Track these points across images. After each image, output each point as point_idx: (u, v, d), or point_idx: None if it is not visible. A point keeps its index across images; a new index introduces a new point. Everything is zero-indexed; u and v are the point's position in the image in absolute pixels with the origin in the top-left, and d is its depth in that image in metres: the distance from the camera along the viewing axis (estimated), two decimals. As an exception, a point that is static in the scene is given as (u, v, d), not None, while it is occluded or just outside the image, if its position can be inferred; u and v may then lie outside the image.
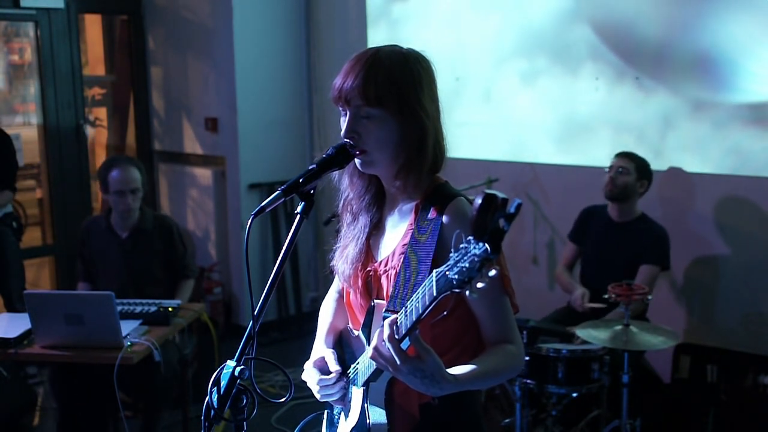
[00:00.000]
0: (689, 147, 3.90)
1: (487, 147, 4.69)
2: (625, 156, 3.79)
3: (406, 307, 1.37)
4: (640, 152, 3.82)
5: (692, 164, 3.90)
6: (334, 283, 1.91)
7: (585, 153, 4.22)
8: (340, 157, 1.56)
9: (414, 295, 1.35)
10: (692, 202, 3.97)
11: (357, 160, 1.59)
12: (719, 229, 3.88)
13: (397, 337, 1.38)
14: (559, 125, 4.40)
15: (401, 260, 1.56)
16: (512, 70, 4.55)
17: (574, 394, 3.26)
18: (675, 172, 3.99)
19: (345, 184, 1.70)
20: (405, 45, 1.65)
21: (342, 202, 1.73)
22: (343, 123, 1.58)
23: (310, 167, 1.53)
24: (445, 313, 1.46)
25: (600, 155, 4.06)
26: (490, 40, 4.65)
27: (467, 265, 1.18)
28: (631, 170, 3.73)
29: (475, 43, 4.71)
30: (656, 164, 3.87)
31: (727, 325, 3.89)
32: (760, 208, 3.75)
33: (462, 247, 1.21)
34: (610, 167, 3.79)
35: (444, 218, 1.53)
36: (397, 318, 1.38)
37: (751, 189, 3.75)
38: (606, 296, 3.26)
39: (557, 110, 4.39)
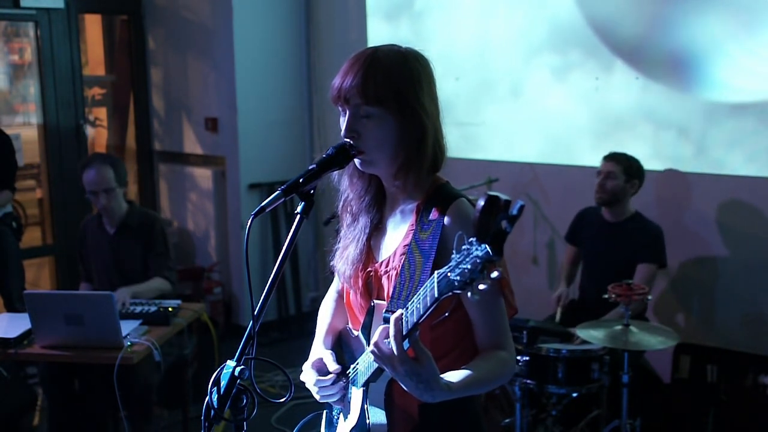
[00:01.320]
0: (732, 146, 3.81)
1: (518, 146, 4.59)
2: (611, 159, 3.77)
3: (407, 307, 1.37)
4: (683, 150, 3.79)
5: (737, 165, 3.78)
6: (333, 283, 1.91)
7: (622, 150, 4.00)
8: (340, 157, 1.56)
9: (415, 296, 1.35)
10: (692, 202, 3.97)
11: (356, 160, 1.59)
12: (719, 229, 3.88)
13: (401, 334, 1.38)
14: (594, 122, 4.26)
15: (402, 261, 1.55)
16: (543, 65, 4.42)
17: (574, 394, 3.26)
18: (672, 173, 3.99)
19: (345, 185, 1.69)
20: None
21: (342, 202, 1.72)
22: (343, 122, 1.58)
23: (310, 167, 1.53)
24: (446, 314, 1.45)
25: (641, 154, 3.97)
26: (518, 33, 4.52)
27: (469, 266, 1.18)
28: (618, 173, 3.72)
29: (504, 36, 4.58)
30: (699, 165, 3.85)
31: (727, 325, 3.89)
32: (760, 208, 3.75)
33: (464, 249, 1.20)
34: (599, 172, 3.79)
35: (446, 219, 1.53)
36: (402, 315, 1.38)
37: (751, 189, 3.75)
38: (606, 296, 3.26)
39: (591, 107, 4.25)
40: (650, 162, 3.89)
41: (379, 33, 5.19)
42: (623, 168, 3.73)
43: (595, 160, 3.91)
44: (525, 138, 4.58)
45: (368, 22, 5.25)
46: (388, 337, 1.39)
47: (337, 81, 1.57)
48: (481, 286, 1.17)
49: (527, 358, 3.20)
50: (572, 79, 4.32)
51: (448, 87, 4.68)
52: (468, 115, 4.69)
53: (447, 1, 4.87)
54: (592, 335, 3.10)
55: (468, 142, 4.72)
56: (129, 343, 3.11)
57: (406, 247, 1.56)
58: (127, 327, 3.23)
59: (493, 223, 1.15)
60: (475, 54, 4.70)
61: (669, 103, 3.94)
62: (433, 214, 1.55)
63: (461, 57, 4.73)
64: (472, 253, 1.18)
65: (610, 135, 4.17)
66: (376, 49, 1.59)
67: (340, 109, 1.59)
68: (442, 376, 1.43)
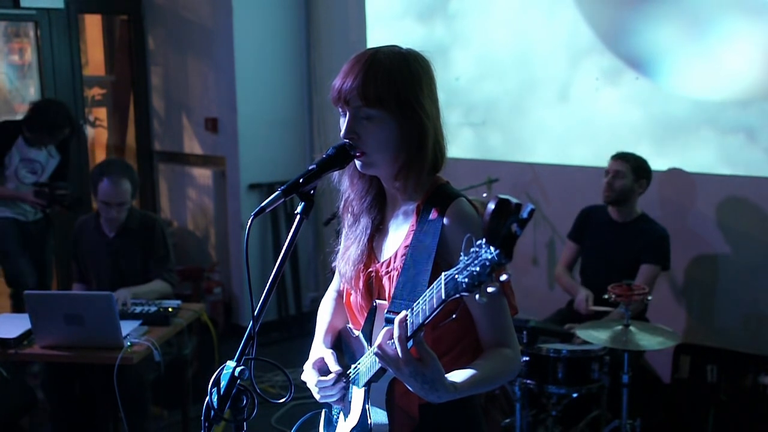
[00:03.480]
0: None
1: (565, 151, 4.37)
2: (619, 158, 3.76)
3: (412, 308, 1.37)
4: (749, 154, 3.71)
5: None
6: (333, 282, 1.91)
7: (683, 156, 3.92)
8: (340, 158, 1.56)
9: (421, 297, 1.35)
10: (693, 202, 3.97)
11: (357, 162, 1.59)
12: (720, 229, 3.88)
13: (405, 335, 1.38)
14: (650, 126, 4.06)
15: (403, 261, 1.56)
16: (590, 67, 4.23)
17: (574, 395, 3.26)
18: (676, 173, 3.99)
19: (345, 185, 1.69)
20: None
21: (343, 203, 1.72)
22: (343, 124, 1.58)
23: (310, 167, 1.53)
24: (454, 316, 1.45)
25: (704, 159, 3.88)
26: (562, 34, 4.33)
27: (478, 269, 1.18)
28: (627, 173, 3.71)
29: (545, 38, 4.41)
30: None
31: (727, 325, 3.89)
32: (760, 208, 3.75)
33: (473, 251, 1.20)
34: (607, 171, 3.78)
35: (445, 220, 1.53)
36: (407, 317, 1.38)
37: (752, 189, 3.75)
38: (606, 296, 3.26)
39: (646, 110, 4.05)
40: (717, 167, 3.79)
41: (412, 34, 4.99)
42: (631, 167, 3.71)
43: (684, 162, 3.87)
44: (574, 143, 4.35)
45: (400, 24, 5.11)
46: (392, 338, 1.39)
47: (337, 82, 1.57)
48: (490, 289, 1.17)
49: (527, 358, 3.21)
50: (622, 82, 4.13)
51: (487, 88, 4.57)
52: (511, 117, 4.56)
53: (483, 2, 4.70)
54: (592, 335, 3.10)
55: (511, 146, 4.59)
56: (129, 343, 3.11)
57: (407, 248, 1.56)
58: (127, 327, 3.22)
59: (503, 226, 1.14)
60: (516, 55, 4.52)
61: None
62: (433, 215, 1.55)
63: (501, 58, 4.57)
64: (481, 256, 1.17)
65: (669, 139, 4.01)
66: (376, 50, 1.59)
67: (340, 110, 1.59)
68: (446, 375, 1.43)
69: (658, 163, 3.93)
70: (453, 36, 4.78)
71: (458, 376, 1.47)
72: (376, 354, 1.43)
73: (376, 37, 5.19)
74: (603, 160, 3.89)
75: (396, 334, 1.37)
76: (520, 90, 4.54)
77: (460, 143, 4.71)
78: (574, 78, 4.33)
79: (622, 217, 3.81)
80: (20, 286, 4.45)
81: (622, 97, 4.12)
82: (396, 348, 1.38)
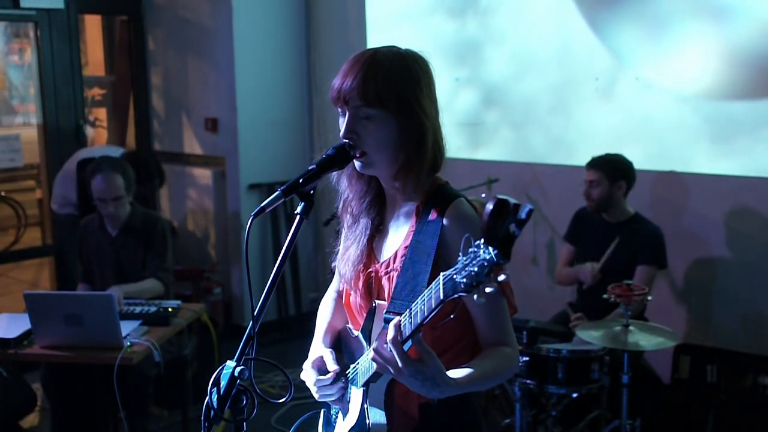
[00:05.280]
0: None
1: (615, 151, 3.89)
2: (592, 166, 3.75)
3: (410, 309, 1.37)
4: None
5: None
6: (332, 282, 1.91)
7: (747, 158, 3.72)
8: (339, 158, 1.56)
9: (419, 297, 1.35)
10: (692, 202, 3.97)
11: (356, 162, 1.59)
12: (719, 229, 3.88)
13: (400, 339, 1.38)
14: (707, 126, 3.86)
15: (402, 262, 1.56)
16: (634, 63, 4.03)
17: (574, 395, 3.26)
18: (673, 174, 3.99)
19: (344, 186, 1.69)
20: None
21: (342, 203, 1.73)
22: (342, 123, 1.58)
23: (310, 167, 1.53)
24: (452, 316, 1.45)
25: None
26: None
27: (476, 269, 1.18)
28: (601, 180, 3.71)
29: (583, 32, 4.22)
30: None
31: (727, 326, 3.89)
32: (759, 208, 3.75)
33: (471, 251, 1.20)
34: (585, 180, 3.78)
35: (444, 220, 1.53)
36: (401, 320, 1.38)
37: (751, 189, 3.75)
38: (606, 296, 3.26)
39: (703, 109, 3.85)
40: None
41: (443, 30, 4.86)
42: (605, 173, 3.71)
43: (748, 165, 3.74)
44: (621, 143, 4.01)
45: (429, 20, 4.99)
46: (387, 342, 1.39)
47: (336, 82, 1.57)
48: (488, 289, 1.17)
49: (527, 358, 3.20)
50: (670, 78, 3.95)
51: (525, 86, 4.46)
52: (550, 116, 4.44)
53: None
54: (592, 335, 3.10)
55: (557, 148, 4.45)
56: (129, 344, 3.11)
57: (407, 249, 1.57)
58: (127, 327, 3.23)
59: (502, 226, 1.15)
60: (554, 51, 4.37)
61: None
62: (432, 215, 1.56)
63: (538, 54, 4.43)
64: (479, 256, 1.18)
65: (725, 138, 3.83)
66: (376, 50, 1.59)
67: (339, 110, 1.59)
68: (447, 373, 1.43)
69: (713, 166, 3.86)
70: (485, 32, 4.62)
71: (457, 373, 1.47)
72: (373, 359, 1.43)
73: (375, 37, 5.19)
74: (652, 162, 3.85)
75: (389, 337, 1.38)
76: (558, 88, 4.39)
77: (496, 143, 4.67)
78: (617, 75, 4.17)
79: (614, 218, 3.81)
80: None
81: (668, 98, 3.97)
82: (392, 351, 1.38)
